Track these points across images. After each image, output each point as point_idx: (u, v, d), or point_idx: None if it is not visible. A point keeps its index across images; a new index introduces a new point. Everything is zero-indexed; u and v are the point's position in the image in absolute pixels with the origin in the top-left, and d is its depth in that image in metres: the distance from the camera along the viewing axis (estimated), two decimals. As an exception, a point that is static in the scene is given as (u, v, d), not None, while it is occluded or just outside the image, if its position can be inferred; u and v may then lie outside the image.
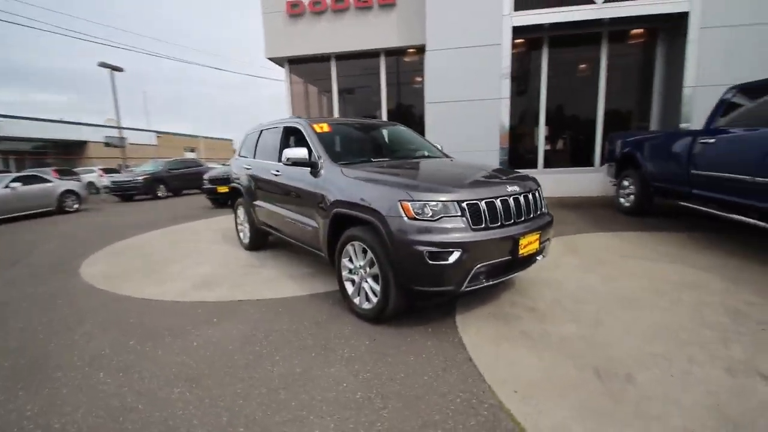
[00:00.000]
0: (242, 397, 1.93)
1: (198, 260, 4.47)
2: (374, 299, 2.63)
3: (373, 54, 8.82)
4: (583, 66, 8.37)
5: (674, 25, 7.35)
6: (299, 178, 3.38)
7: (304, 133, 3.51)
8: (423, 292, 2.41)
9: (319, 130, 3.50)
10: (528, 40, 8.14)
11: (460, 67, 7.68)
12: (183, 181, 14.23)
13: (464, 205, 2.37)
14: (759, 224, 3.66)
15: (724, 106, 4.41)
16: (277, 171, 3.80)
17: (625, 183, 6.15)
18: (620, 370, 2.04)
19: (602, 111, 8.15)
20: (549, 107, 8.35)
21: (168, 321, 2.88)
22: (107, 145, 21.98)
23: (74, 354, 2.44)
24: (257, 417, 1.79)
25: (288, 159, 3.25)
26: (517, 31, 7.51)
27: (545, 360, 2.15)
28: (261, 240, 4.72)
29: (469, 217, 2.37)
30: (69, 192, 10.26)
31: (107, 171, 19.01)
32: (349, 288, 2.88)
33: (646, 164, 5.55)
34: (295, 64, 9.23)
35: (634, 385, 1.92)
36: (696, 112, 7.01)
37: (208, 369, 2.20)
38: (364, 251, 2.66)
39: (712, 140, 4.29)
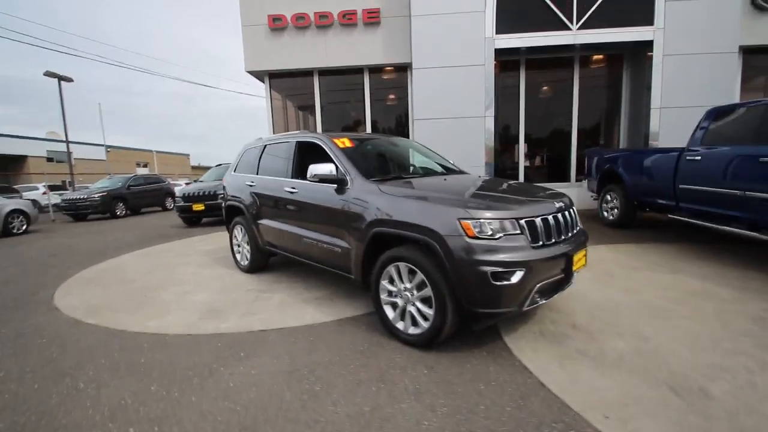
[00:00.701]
0: (316, 446, 1.70)
1: (192, 286, 4.08)
2: (424, 324, 2.48)
3: (357, 70, 8.81)
4: (557, 87, 8.86)
5: (639, 52, 7.99)
6: (323, 196, 3.19)
7: (326, 149, 3.34)
8: (483, 314, 2.30)
9: (341, 146, 3.35)
10: (507, 61, 8.49)
11: (445, 86, 7.83)
12: (144, 199, 13.26)
13: (523, 222, 2.32)
14: (751, 234, 3.94)
15: (705, 126, 4.77)
16: (293, 188, 3.58)
17: (608, 197, 6.47)
18: (691, 384, 2.04)
19: (576, 129, 8.63)
20: (527, 125, 8.72)
21: (187, 359, 2.55)
22: (50, 160, 20.17)
23: (87, 407, 2.06)
24: (344, 469, 1.57)
25: (315, 176, 3.07)
26: (498, 53, 7.82)
27: (615, 380, 2.11)
28: (262, 261, 4.42)
29: (528, 234, 2.31)
30: (16, 212, 9.17)
31: (53, 188, 17.32)
32: (390, 312, 2.71)
33: (629, 179, 5.88)
34: (276, 78, 8.99)
35: (711, 399, 1.92)
36: (662, 131, 7.60)
37: (262, 414, 1.93)
38: (411, 272, 2.52)
39: (698, 157, 4.61)
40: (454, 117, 7.89)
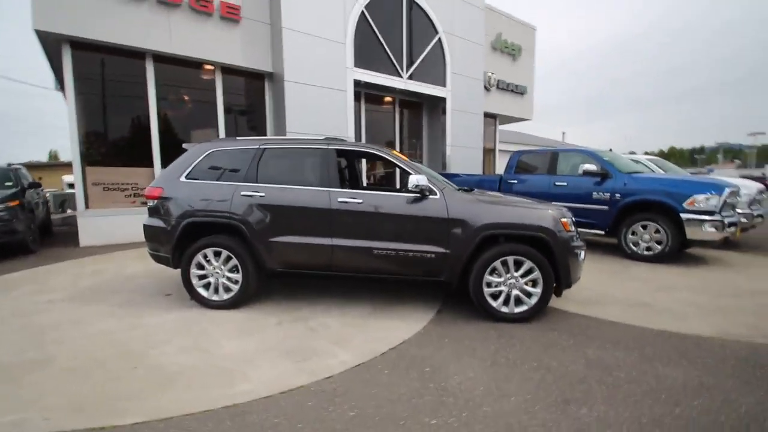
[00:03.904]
0: None
1: (191, 340, 2.89)
2: (530, 301, 3.24)
3: (208, 66, 7.57)
4: (383, 120, 10.76)
5: (437, 104, 10.99)
6: (414, 206, 3.29)
7: (397, 162, 3.43)
8: (572, 284, 3.32)
9: (405, 158, 3.51)
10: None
11: (317, 103, 8.09)
12: None
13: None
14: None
15: (515, 161, 7.56)
16: (355, 198, 3.33)
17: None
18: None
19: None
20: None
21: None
22: None
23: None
24: None
25: (417, 186, 3.19)
26: (355, 83, 8.84)
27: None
28: (257, 288, 3.60)
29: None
30: None
31: None
32: (492, 301, 3.26)
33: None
34: (82, 51, 6.37)
35: None
36: (453, 165, 10.78)
37: (551, 389, 2.21)
38: (516, 264, 3.22)
39: (515, 180, 7.30)
40: (324, 134, 8.22)
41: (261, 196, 3.43)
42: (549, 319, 3.32)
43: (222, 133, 7.80)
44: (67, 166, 10.29)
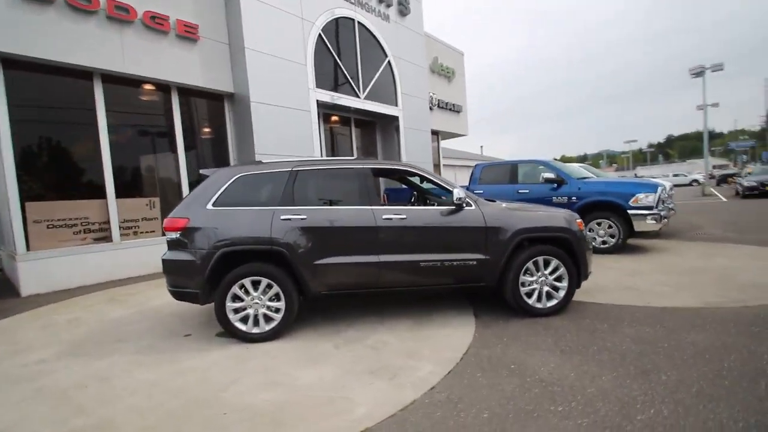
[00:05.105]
0: None
1: (262, 379, 2.71)
2: (559, 294, 3.63)
3: (163, 87, 7.01)
4: (341, 139, 10.87)
5: (390, 123, 11.41)
6: (454, 218, 3.51)
7: (433, 179, 3.66)
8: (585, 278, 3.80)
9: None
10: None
11: (284, 124, 7.95)
12: None
13: (579, 221, 4.05)
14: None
15: (478, 173, 8.20)
16: (398, 215, 3.43)
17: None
18: (627, 287, 4.48)
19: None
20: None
21: None
22: None
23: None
24: None
25: (459, 199, 3.41)
26: (318, 103, 8.86)
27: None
28: (296, 314, 3.47)
29: (582, 227, 4.07)
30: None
31: None
32: (527, 299, 3.60)
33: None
34: (16, 70, 5.48)
35: None
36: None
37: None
38: (546, 263, 3.61)
39: (481, 191, 7.93)
40: (291, 155, 8.07)
41: (302, 219, 3.35)
42: (572, 310, 3.74)
43: (182, 158, 7.22)
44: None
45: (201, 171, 3.66)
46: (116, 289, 5.67)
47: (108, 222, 6.33)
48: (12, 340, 3.75)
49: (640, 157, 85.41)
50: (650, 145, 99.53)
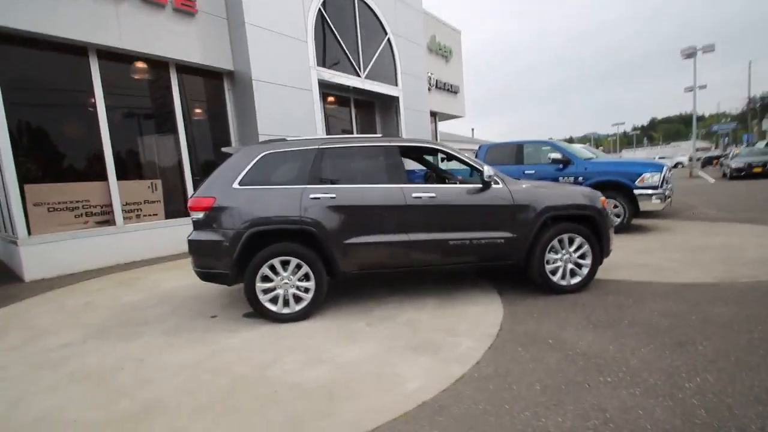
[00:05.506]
0: None
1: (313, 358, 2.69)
2: (583, 271, 3.69)
3: (162, 65, 6.72)
4: (341, 118, 10.67)
5: (390, 103, 11.23)
6: (484, 196, 3.51)
7: (461, 157, 3.63)
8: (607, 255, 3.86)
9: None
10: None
11: (286, 103, 7.75)
12: None
13: (600, 199, 4.10)
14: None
15: (484, 154, 8.21)
16: (428, 193, 3.40)
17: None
18: (639, 264, 4.59)
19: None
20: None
21: None
22: None
23: None
24: None
25: (490, 176, 3.40)
26: (319, 82, 8.64)
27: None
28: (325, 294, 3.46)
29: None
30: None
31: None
32: (552, 276, 3.64)
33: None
34: (10, 44, 5.16)
35: None
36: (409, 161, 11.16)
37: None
38: (570, 241, 3.65)
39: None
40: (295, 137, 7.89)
41: (332, 197, 3.30)
42: (593, 287, 3.81)
43: (182, 138, 7.00)
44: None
45: (223, 149, 3.54)
46: (122, 274, 5.55)
47: (110, 205, 6.13)
48: (28, 325, 3.65)
49: (625, 141, 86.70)
50: (634, 128, 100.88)
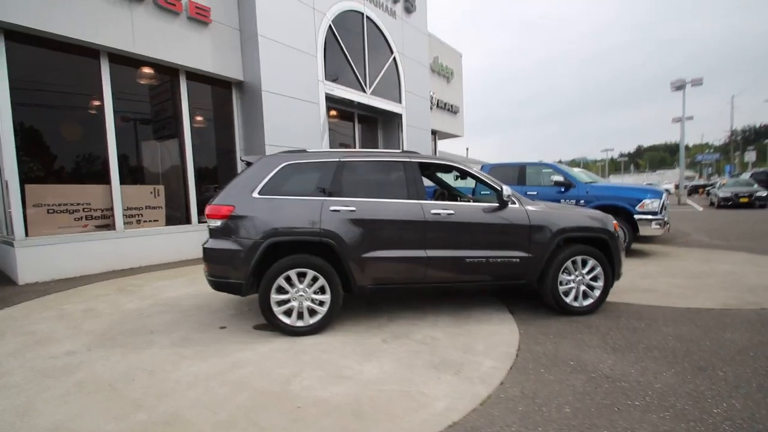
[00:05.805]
0: None
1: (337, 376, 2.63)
2: (595, 293, 3.72)
3: (172, 71, 6.72)
4: (345, 133, 10.75)
5: (392, 119, 11.37)
6: (501, 215, 3.54)
7: (481, 177, 3.67)
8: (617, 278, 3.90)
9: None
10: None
11: (294, 116, 7.79)
12: None
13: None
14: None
15: (486, 172, 8.29)
16: (446, 210, 3.42)
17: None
18: (645, 288, 4.65)
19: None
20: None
21: None
22: None
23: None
24: None
25: (509, 196, 3.44)
26: (326, 96, 8.73)
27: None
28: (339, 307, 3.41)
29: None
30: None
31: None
32: (565, 297, 3.66)
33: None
34: (18, 43, 5.11)
35: None
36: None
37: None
38: (583, 263, 3.69)
39: (488, 192, 8.02)
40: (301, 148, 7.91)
41: (351, 211, 3.29)
42: (605, 309, 3.83)
43: (188, 145, 6.96)
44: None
45: (242, 158, 3.53)
46: (121, 280, 5.40)
47: (111, 209, 6.01)
48: (28, 331, 3.50)
49: (613, 167, 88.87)
50: (621, 155, 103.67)
